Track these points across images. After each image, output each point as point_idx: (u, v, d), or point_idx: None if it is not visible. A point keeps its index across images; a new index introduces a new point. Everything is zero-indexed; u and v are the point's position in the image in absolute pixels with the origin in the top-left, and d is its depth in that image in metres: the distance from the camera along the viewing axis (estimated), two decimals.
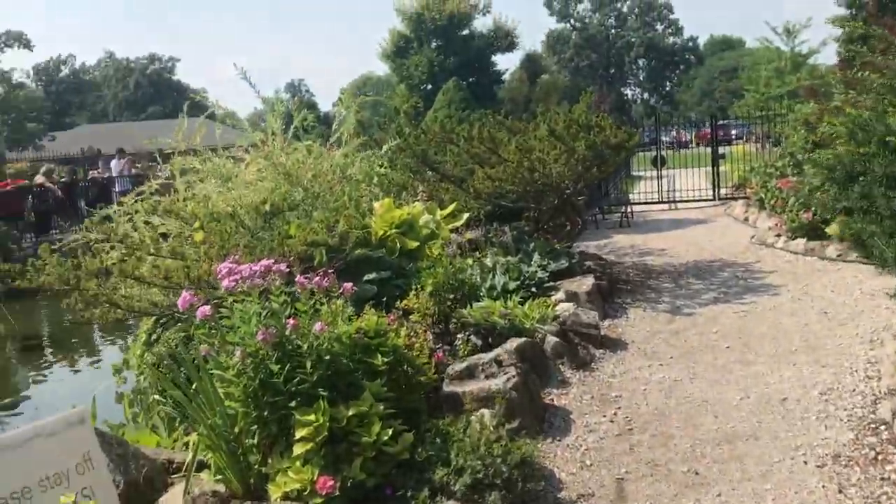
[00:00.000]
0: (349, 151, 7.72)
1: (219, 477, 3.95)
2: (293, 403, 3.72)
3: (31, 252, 12.59)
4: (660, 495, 3.89)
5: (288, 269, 4.00)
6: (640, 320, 7.09)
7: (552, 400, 5.18)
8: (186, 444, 4.82)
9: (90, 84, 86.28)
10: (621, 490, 3.97)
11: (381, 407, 3.85)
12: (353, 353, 4.10)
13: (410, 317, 5.59)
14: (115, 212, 7.29)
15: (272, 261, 3.87)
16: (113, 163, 20.86)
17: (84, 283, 6.12)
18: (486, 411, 4.18)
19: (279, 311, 3.88)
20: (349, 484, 3.58)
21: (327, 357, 3.82)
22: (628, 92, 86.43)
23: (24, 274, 6.02)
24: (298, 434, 3.65)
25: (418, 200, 9.19)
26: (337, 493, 3.51)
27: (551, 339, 5.78)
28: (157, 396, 5.23)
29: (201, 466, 4.14)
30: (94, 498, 3.07)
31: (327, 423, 3.66)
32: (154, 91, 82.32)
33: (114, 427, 5.95)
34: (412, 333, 5.07)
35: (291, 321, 3.74)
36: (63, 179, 18.75)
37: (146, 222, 7.34)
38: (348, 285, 4.14)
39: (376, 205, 8.38)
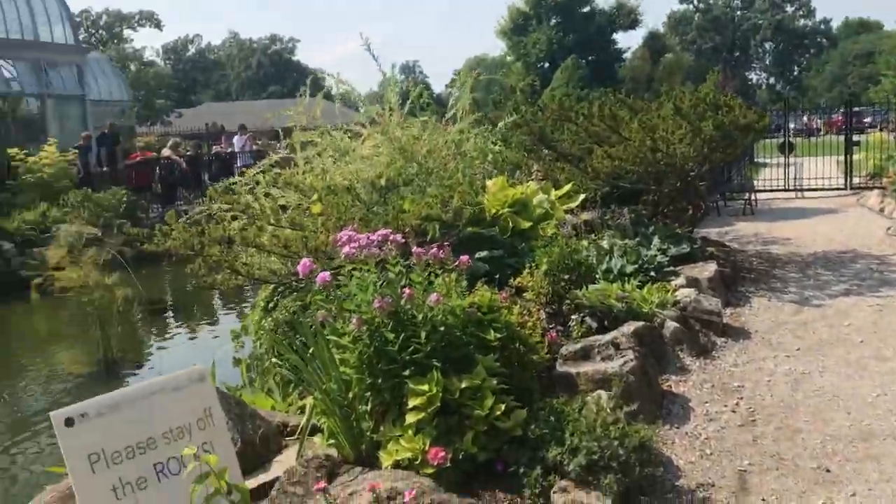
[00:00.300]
0: (464, 128, 7.65)
1: (331, 441, 3.98)
2: (407, 372, 3.70)
3: (157, 221, 13.15)
4: (786, 490, 3.67)
5: (404, 241, 3.98)
6: (764, 310, 6.75)
7: (670, 387, 4.98)
8: (300, 409, 4.90)
9: (215, 63, 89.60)
10: (744, 482, 3.77)
11: (494, 382, 3.78)
12: (465, 327, 4.05)
13: (524, 295, 5.49)
14: (237, 183, 7.49)
15: (388, 231, 3.85)
16: (235, 139, 21.58)
17: (208, 249, 6.32)
18: (602, 392, 4.05)
19: (395, 280, 3.86)
20: (460, 456, 3.53)
21: (441, 328, 3.77)
22: (753, 76, 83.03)
23: (152, 238, 6.26)
24: (411, 403, 3.63)
25: (533, 180, 9.05)
26: (448, 464, 3.47)
27: (671, 325, 5.57)
28: (274, 360, 5.32)
29: (314, 431, 4.20)
30: (213, 452, 3.13)
31: (440, 394, 3.62)
32: (275, 71, 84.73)
33: (231, 389, 6.13)
34: (525, 312, 4.98)
35: (407, 291, 3.71)
36: (188, 153, 19.54)
37: (266, 194, 7.53)
38: (464, 258, 4.08)
39: (489, 183, 8.29)
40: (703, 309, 6.00)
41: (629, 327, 5.05)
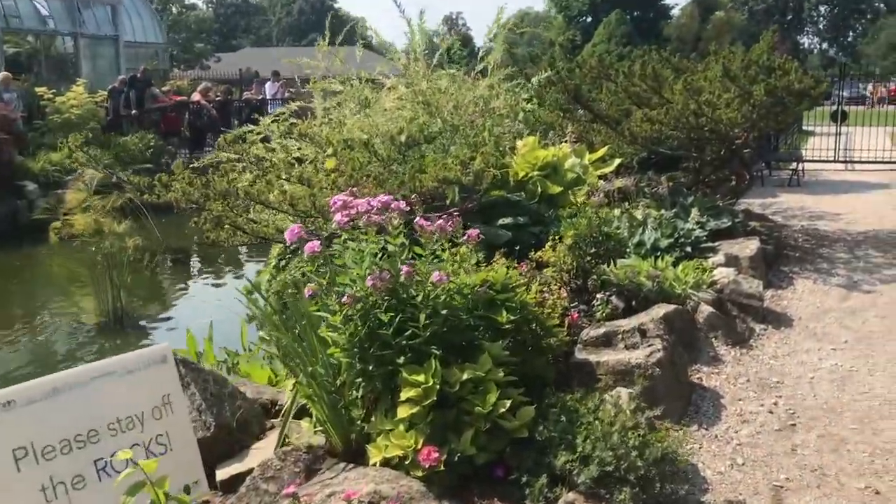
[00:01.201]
0: (494, 83, 7.12)
1: (319, 428, 3.61)
2: (402, 359, 3.27)
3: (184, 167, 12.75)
4: None
5: (409, 208, 3.52)
6: (808, 293, 6.21)
7: (700, 379, 4.51)
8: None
9: (257, 8, 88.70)
10: (779, 501, 3.31)
11: (501, 373, 3.35)
12: (474, 308, 3.61)
13: (544, 270, 5.02)
14: (251, 132, 7.07)
15: (390, 197, 3.39)
16: (267, 85, 21.11)
17: (211, 203, 5.92)
18: (623, 391, 3.60)
19: (396, 253, 3.42)
20: (456, 458, 3.12)
21: (444, 311, 3.33)
22: (805, 41, 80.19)
23: (152, 189, 5.88)
24: (404, 395, 3.21)
25: (566, 142, 8.51)
26: (441, 467, 3.06)
27: (705, 309, 5.07)
28: (261, 333, 4.94)
29: (303, 412, 3.80)
30: (170, 446, 2.76)
31: (437, 386, 3.20)
32: (316, 18, 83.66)
33: (231, 355, 5.78)
34: (545, 289, 4.53)
35: (405, 268, 3.27)
36: (218, 98, 19.13)
37: (282, 146, 7.10)
38: (473, 232, 3.61)
39: (519, 143, 7.78)
40: (742, 292, 5.48)
41: (658, 311, 4.57)
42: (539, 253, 5.23)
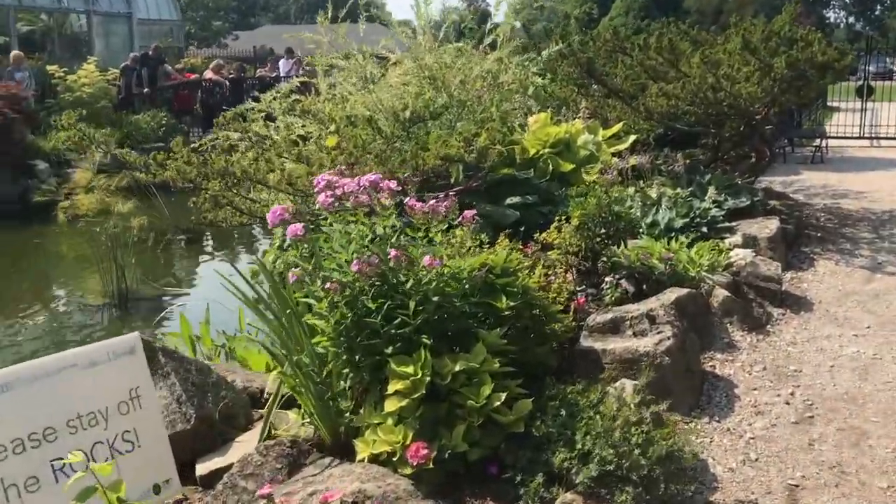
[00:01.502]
0: (503, 56, 6.85)
1: (307, 420, 3.43)
2: (390, 349, 3.07)
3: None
4: None
5: (400, 188, 3.31)
6: (830, 275, 5.94)
7: (713, 367, 4.28)
8: None
9: None
10: (794, 501, 3.09)
11: (497, 363, 3.14)
12: (471, 293, 3.40)
13: (549, 253, 4.80)
14: (252, 110, 6.87)
15: (378, 175, 3.18)
16: (281, 63, 20.85)
17: (209, 182, 5.73)
18: (627, 383, 3.37)
19: (385, 237, 3.21)
20: (447, 455, 2.92)
21: (436, 298, 3.12)
22: (831, 15, 78.54)
23: (148, 168, 5.70)
24: (392, 388, 3.02)
25: (579, 117, 8.23)
26: (430, 464, 2.87)
27: (720, 293, 4.83)
28: (248, 321, 4.76)
29: (293, 401, 3.62)
30: (137, 443, 2.58)
31: (427, 378, 3.00)
32: None
33: (230, 339, 5.62)
34: (550, 272, 4.31)
35: (394, 252, 3.06)
36: (231, 76, 18.93)
37: (286, 123, 6.89)
38: (469, 213, 3.39)
39: (531, 119, 7.53)
40: (759, 274, 5.23)
41: (670, 295, 4.34)
42: (544, 234, 5.00)
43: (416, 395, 2.98)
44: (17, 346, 7.59)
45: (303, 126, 6.78)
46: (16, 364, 2.42)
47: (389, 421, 3.04)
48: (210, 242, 12.35)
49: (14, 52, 16.83)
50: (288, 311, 3.24)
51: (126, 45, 22.54)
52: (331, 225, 3.25)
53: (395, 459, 2.97)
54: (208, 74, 18.60)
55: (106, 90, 17.04)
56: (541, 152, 6.99)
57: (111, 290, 8.38)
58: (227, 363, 5.14)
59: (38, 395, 2.35)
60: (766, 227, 6.14)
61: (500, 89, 6.73)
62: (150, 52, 18.69)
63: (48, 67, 17.10)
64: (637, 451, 2.85)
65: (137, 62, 18.15)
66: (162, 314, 7.82)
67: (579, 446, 2.90)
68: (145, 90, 17.89)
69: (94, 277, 8.94)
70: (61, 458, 2.33)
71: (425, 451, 2.88)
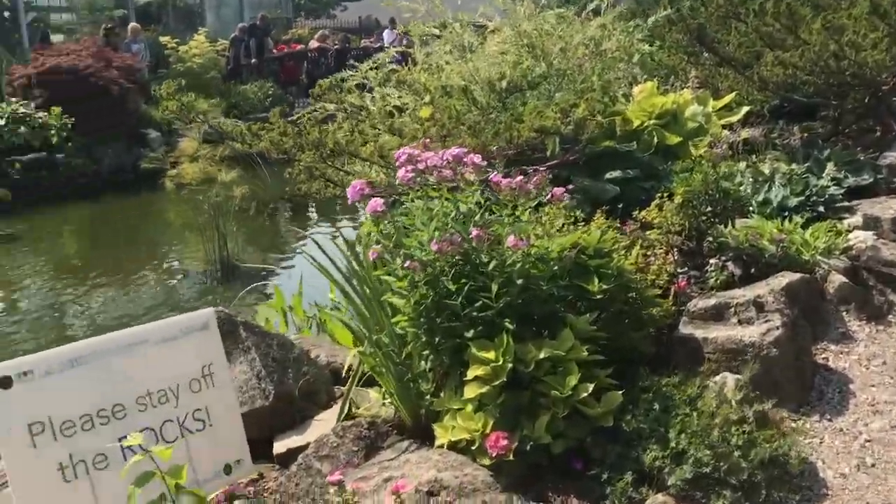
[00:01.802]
0: (607, 22, 6.53)
1: (387, 400, 3.33)
2: (471, 333, 2.92)
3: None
4: None
5: (486, 162, 3.13)
6: None
7: (826, 360, 3.94)
8: None
9: None
10: None
11: (585, 351, 2.94)
12: (560, 275, 3.20)
13: (648, 232, 4.52)
14: (346, 80, 6.81)
15: (462, 149, 3.01)
16: (386, 33, 20.87)
17: (304, 153, 5.70)
18: (729, 377, 3.11)
19: (469, 214, 3.05)
20: (528, 446, 2.76)
21: (520, 280, 2.94)
22: None
23: (244, 138, 5.71)
24: (472, 373, 2.87)
25: (688, 87, 7.79)
26: (510, 456, 2.72)
27: (836, 279, 4.45)
28: (331, 296, 4.70)
29: (373, 381, 3.53)
30: (209, 422, 2.53)
31: (509, 365, 2.83)
32: None
33: (321, 311, 5.60)
34: (649, 253, 4.05)
35: (476, 231, 2.89)
36: (336, 47, 19.07)
37: (381, 94, 6.81)
38: (558, 190, 3.17)
39: (636, 89, 7.16)
40: (881, 259, 4.79)
41: (780, 280, 4.02)
42: (644, 212, 4.72)
43: (498, 382, 2.82)
44: (127, 308, 7.85)
45: (399, 97, 6.68)
46: (83, 340, 2.40)
47: (469, 407, 2.90)
48: (312, 213, 12.50)
49: (132, 25, 17.43)
50: (367, 290, 3.13)
51: (236, 17, 23.06)
52: (412, 201, 3.11)
53: (473, 448, 2.83)
54: (314, 45, 18.80)
55: (215, 61, 17.45)
56: (645, 124, 6.65)
57: (213, 258, 8.56)
58: (318, 336, 5.12)
59: (109, 371, 2.32)
60: (891, 207, 5.62)
61: (602, 57, 6.43)
62: (258, 23, 19.02)
63: (161, 39, 17.61)
64: (737, 454, 2.62)
65: (245, 33, 18.50)
66: (259, 283, 7.92)
67: (673, 445, 2.69)
68: (253, 61, 18.23)
69: (199, 245, 9.16)
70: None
71: (505, 442, 2.73)
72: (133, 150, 14.11)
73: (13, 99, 13.60)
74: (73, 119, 12.96)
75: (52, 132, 12.76)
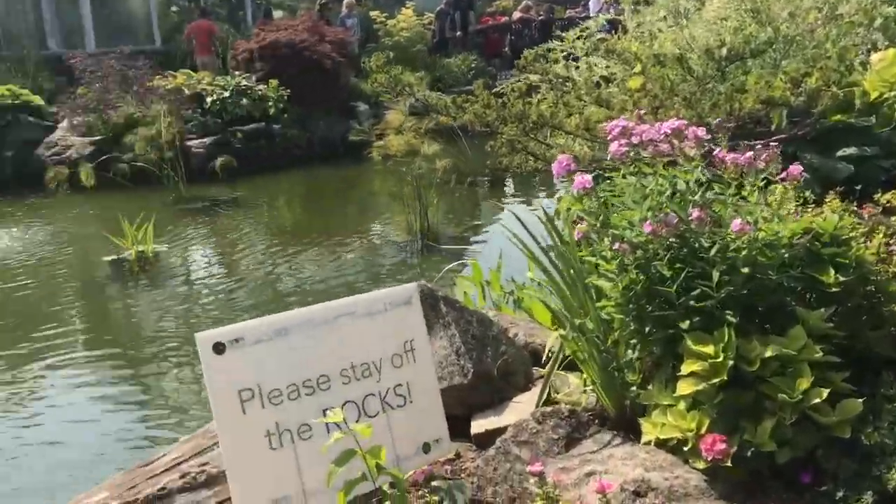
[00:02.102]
0: None
1: (589, 387, 3.16)
2: (686, 324, 2.68)
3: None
4: None
5: (710, 136, 2.85)
6: None
7: None
8: None
9: None
10: None
11: (819, 351, 2.61)
12: (790, 264, 2.87)
13: (892, 218, 4.00)
14: (551, 51, 6.60)
15: (682, 121, 2.75)
16: (591, 2, 20.32)
17: (507, 126, 5.58)
18: None
19: (687, 193, 2.80)
20: (749, 452, 2.49)
21: (745, 269, 2.66)
22: None
23: (448, 111, 5.69)
24: (687, 368, 2.63)
25: None
26: (728, 461, 2.47)
27: None
28: (529, 274, 4.54)
29: (573, 365, 3.36)
30: (409, 398, 2.48)
31: (730, 362, 2.57)
32: None
33: (518, 287, 5.49)
34: (893, 242, 3.57)
35: (695, 212, 2.63)
36: (540, 17, 18.81)
37: (588, 64, 6.56)
38: (795, 168, 2.82)
39: (874, 57, 6.42)
40: None
41: None
42: (888, 195, 4.19)
43: (716, 380, 2.57)
44: (336, 276, 8.18)
45: (606, 67, 6.40)
46: (292, 310, 2.42)
47: (681, 405, 2.66)
48: (509, 187, 12.45)
49: (347, 0, 18.11)
50: (572, 270, 2.96)
51: None
52: (624, 177, 2.89)
53: (685, 449, 2.60)
54: (517, 16, 18.67)
55: (422, 34, 17.77)
56: (885, 96, 5.94)
57: (414, 229, 8.72)
58: (516, 313, 5.02)
59: (315, 342, 2.33)
60: None
61: (838, 22, 5.79)
62: None
63: (371, 13, 18.16)
64: None
65: (451, 6, 18.68)
66: (459, 258, 7.97)
67: None
68: (458, 33, 18.40)
69: (401, 215, 9.38)
70: (332, 408, 2.28)
71: (724, 446, 2.48)
72: (343, 122, 14.70)
73: (237, 72, 14.57)
74: (289, 91, 13.68)
75: (270, 104, 13.56)
